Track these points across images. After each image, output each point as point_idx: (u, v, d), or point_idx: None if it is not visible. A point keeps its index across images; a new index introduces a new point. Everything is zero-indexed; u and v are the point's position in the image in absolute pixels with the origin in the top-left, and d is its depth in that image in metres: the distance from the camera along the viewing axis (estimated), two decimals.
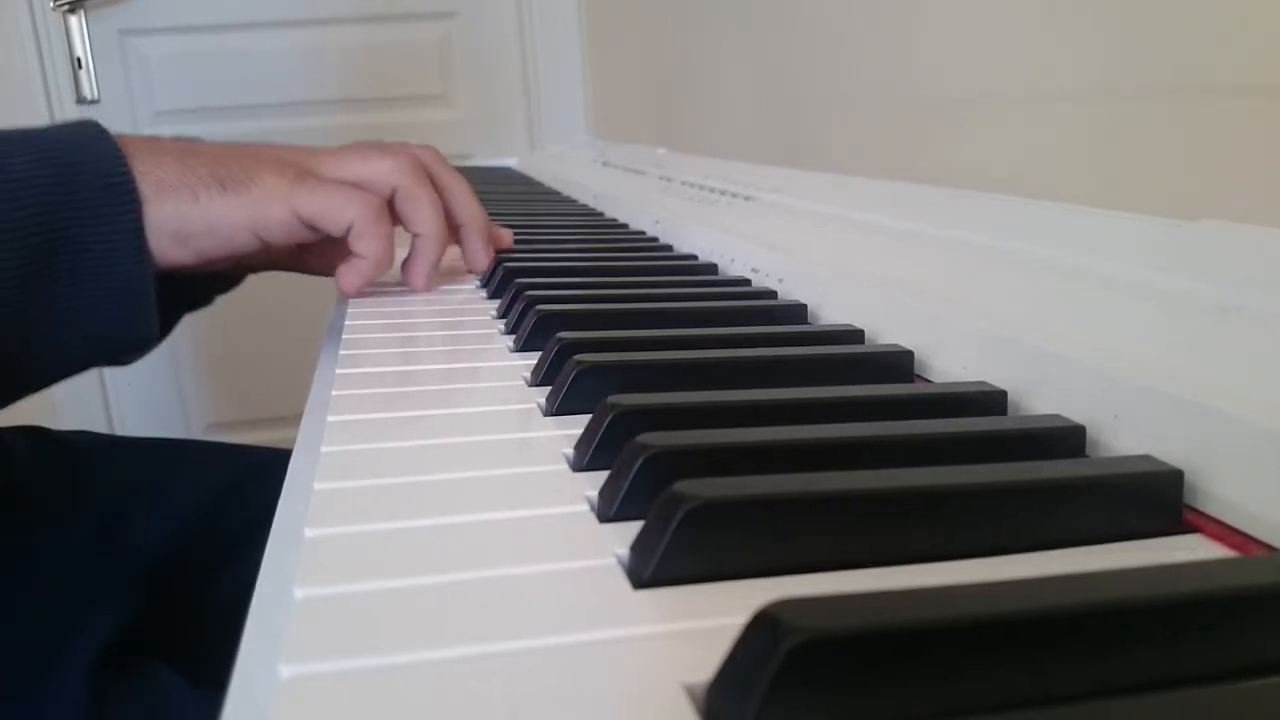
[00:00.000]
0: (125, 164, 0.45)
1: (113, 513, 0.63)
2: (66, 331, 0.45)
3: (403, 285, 0.58)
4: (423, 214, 0.54)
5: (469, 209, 0.59)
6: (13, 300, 0.43)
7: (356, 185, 0.51)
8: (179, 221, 0.46)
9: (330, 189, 0.49)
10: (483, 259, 0.60)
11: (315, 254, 0.59)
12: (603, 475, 0.28)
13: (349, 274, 0.52)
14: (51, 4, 1.62)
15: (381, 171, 0.53)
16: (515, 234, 0.73)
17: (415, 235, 0.56)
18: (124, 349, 0.48)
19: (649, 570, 0.22)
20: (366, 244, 0.51)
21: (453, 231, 0.59)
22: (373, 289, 0.59)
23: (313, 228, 0.50)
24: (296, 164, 0.50)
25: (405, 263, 0.57)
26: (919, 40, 0.60)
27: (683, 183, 0.84)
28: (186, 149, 0.49)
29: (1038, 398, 0.32)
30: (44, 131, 0.46)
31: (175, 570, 0.63)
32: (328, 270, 0.58)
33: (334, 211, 0.49)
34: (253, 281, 0.65)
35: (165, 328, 0.69)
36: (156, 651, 0.58)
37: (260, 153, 0.51)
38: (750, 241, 0.59)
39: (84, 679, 0.52)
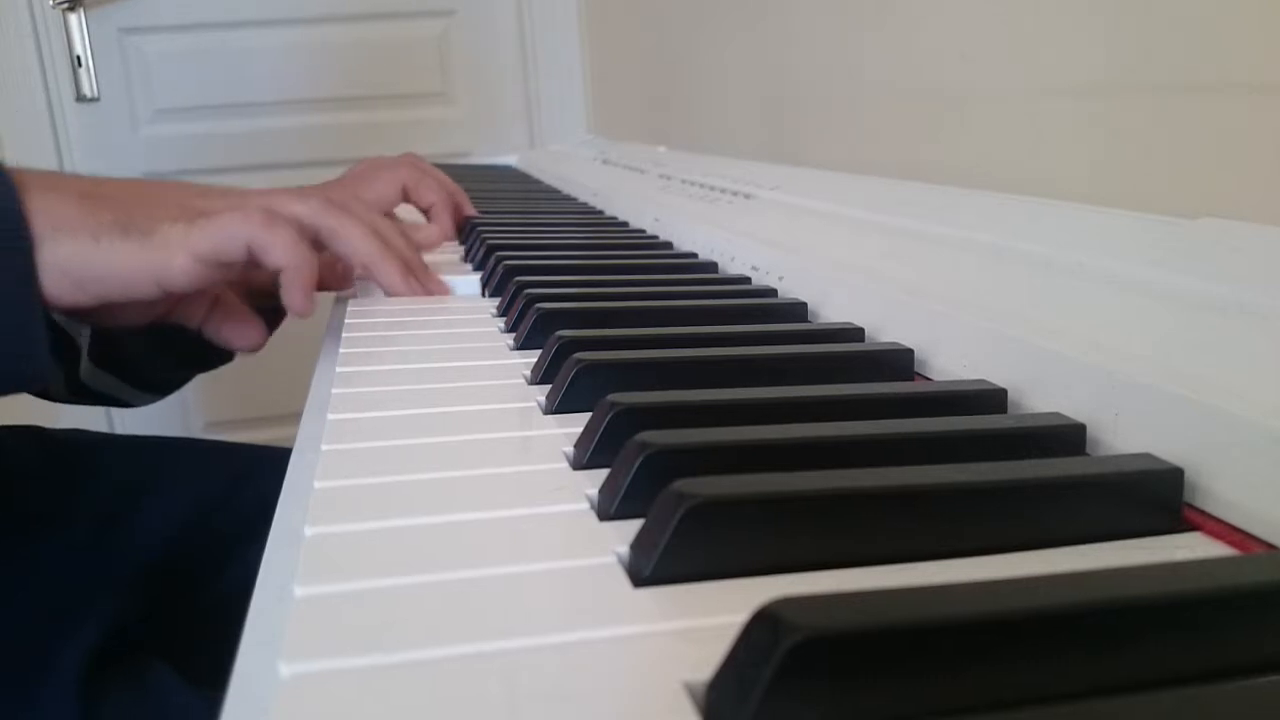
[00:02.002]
0: (16, 199, 0.43)
1: (111, 511, 0.63)
2: None
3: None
4: (353, 244, 0.53)
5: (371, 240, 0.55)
6: None
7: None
8: (77, 264, 0.44)
9: (218, 218, 0.47)
10: (395, 288, 0.56)
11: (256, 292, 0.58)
12: (603, 473, 0.28)
13: (285, 293, 0.50)
14: (51, 2, 1.62)
15: (296, 212, 0.51)
16: (515, 232, 0.73)
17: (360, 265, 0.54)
18: (7, 379, 0.45)
19: (649, 568, 0.22)
20: (273, 255, 0.48)
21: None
22: (374, 289, 0.59)
23: (216, 264, 0.47)
24: (193, 207, 0.48)
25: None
26: (919, 38, 0.60)
27: (683, 181, 0.84)
28: (89, 190, 0.47)
29: (1038, 396, 0.32)
30: None
31: (174, 569, 0.63)
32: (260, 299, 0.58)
33: (227, 239, 0.47)
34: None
35: (177, 384, 0.70)
36: (155, 650, 0.58)
37: (164, 196, 0.49)
38: (750, 239, 0.59)
39: (81, 677, 0.52)
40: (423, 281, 0.58)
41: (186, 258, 0.46)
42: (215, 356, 0.67)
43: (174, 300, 0.53)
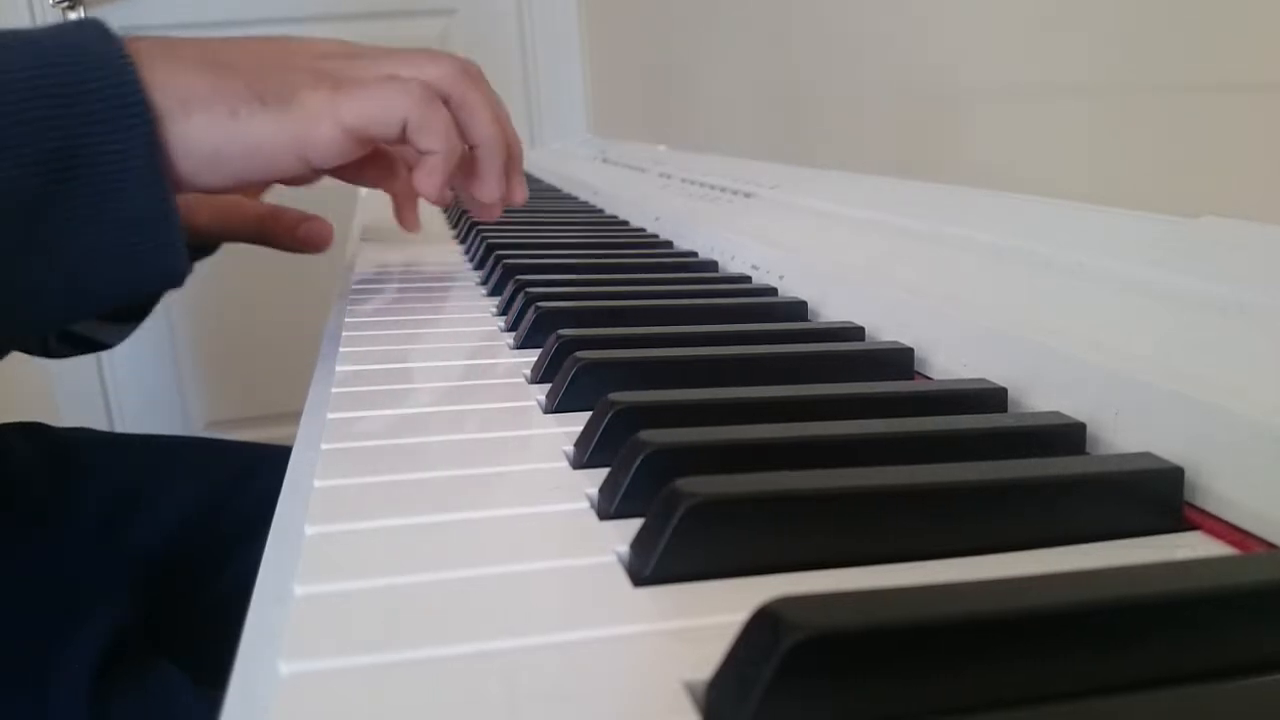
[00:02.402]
0: (134, 74, 0.38)
1: (113, 510, 0.63)
2: (84, 263, 0.39)
3: (407, 269, 0.57)
4: (479, 119, 0.49)
5: (497, 132, 0.51)
6: (20, 227, 0.37)
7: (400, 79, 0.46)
8: (214, 141, 0.40)
9: (373, 89, 0.44)
10: (492, 188, 0.52)
11: (369, 167, 0.54)
12: (603, 472, 0.28)
13: (424, 176, 0.47)
14: (51, 1, 1.61)
15: (430, 76, 0.47)
16: (515, 231, 0.73)
17: (473, 147, 0.51)
18: (149, 283, 0.41)
19: (649, 568, 0.22)
20: (429, 138, 0.45)
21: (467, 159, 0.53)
22: (373, 287, 0.59)
23: (365, 138, 0.44)
24: (334, 72, 0.45)
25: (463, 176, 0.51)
26: (919, 38, 0.60)
27: (683, 180, 0.84)
28: (213, 57, 0.42)
29: (1038, 395, 0.32)
30: (44, 35, 0.39)
31: (176, 567, 0.63)
32: (379, 183, 0.55)
33: (383, 113, 0.43)
34: (252, 278, 0.65)
35: (146, 306, 0.68)
36: (158, 649, 0.58)
37: (293, 59, 0.45)
38: (750, 238, 0.59)
39: (86, 676, 0.52)
40: (513, 186, 0.54)
41: (333, 127, 0.42)
42: (206, 248, 0.66)
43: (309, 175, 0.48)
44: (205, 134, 0.40)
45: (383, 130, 0.44)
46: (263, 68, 0.43)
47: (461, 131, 0.49)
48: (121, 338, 0.67)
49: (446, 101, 0.47)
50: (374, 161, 0.53)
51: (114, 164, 0.38)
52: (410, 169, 0.49)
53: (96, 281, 0.39)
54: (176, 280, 0.41)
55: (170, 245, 0.40)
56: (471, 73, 0.49)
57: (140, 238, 0.39)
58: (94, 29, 0.40)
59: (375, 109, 0.43)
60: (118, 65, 0.38)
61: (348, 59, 0.46)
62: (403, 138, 0.45)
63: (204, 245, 0.64)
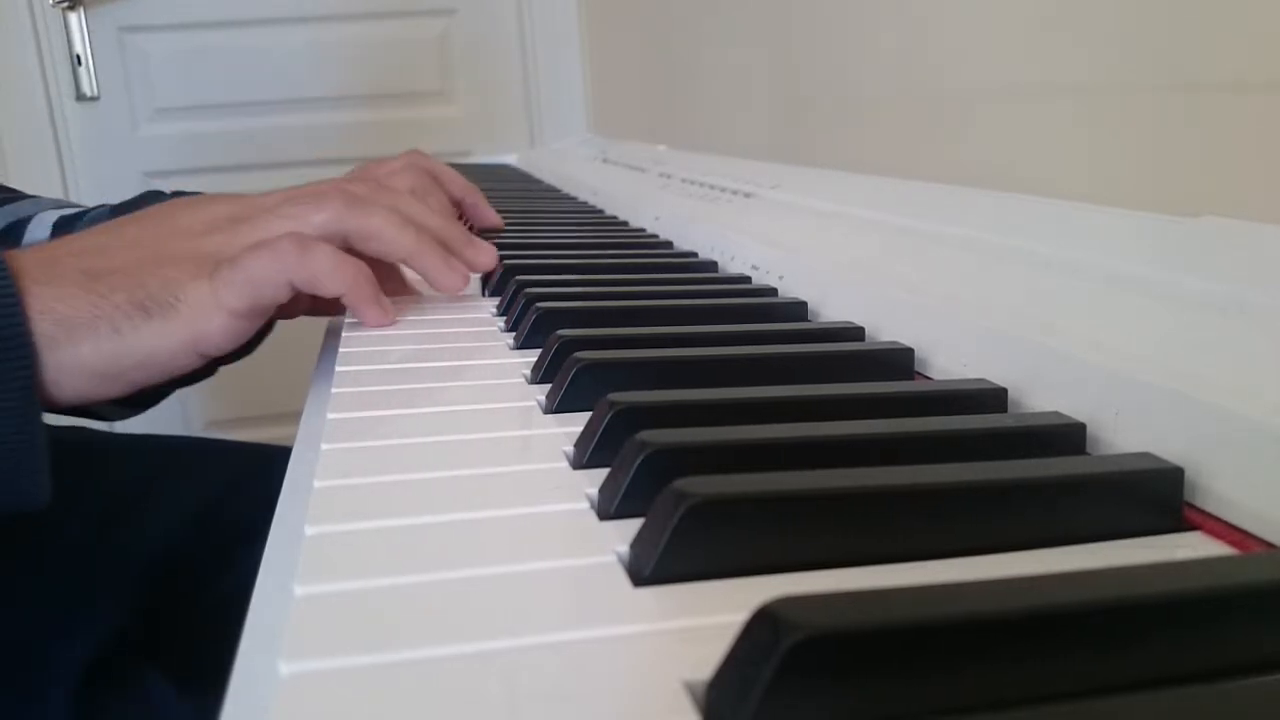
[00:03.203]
0: (16, 307, 0.38)
1: (110, 511, 0.63)
2: None
3: (407, 270, 0.55)
4: (388, 238, 0.48)
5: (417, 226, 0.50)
6: None
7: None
8: (103, 361, 0.40)
9: (245, 264, 0.42)
10: (446, 282, 0.51)
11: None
12: (603, 473, 0.28)
13: (360, 317, 0.47)
14: (50, 1, 1.62)
15: (316, 224, 0.46)
16: (515, 231, 0.73)
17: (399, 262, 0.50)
18: (4, 508, 0.40)
19: (649, 568, 0.22)
20: (325, 285, 0.44)
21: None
22: None
23: (258, 312, 0.43)
24: (215, 252, 0.43)
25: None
26: (922, 37, 0.60)
27: (683, 180, 0.84)
28: (91, 266, 0.41)
29: (1038, 395, 0.32)
30: None
31: (176, 568, 0.63)
32: (320, 310, 0.55)
33: (264, 284, 0.42)
34: None
35: (154, 399, 0.68)
36: (155, 653, 0.58)
37: (171, 246, 0.43)
38: (750, 238, 0.59)
39: (76, 682, 0.52)
40: (468, 259, 0.53)
41: (223, 317, 0.41)
42: (193, 373, 0.66)
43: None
44: (94, 355, 0.39)
45: (270, 298, 0.43)
46: (142, 268, 0.41)
47: (380, 256, 0.49)
48: (122, 418, 0.67)
49: (347, 240, 0.47)
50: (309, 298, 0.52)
51: None
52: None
53: None
54: (33, 506, 0.40)
55: (29, 473, 0.39)
56: (359, 198, 0.48)
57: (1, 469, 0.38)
58: None
59: (253, 283, 0.42)
60: (3, 300, 0.38)
61: (230, 228, 0.45)
62: (303, 292, 0.44)
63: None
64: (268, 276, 0.42)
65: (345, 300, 0.46)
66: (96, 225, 0.45)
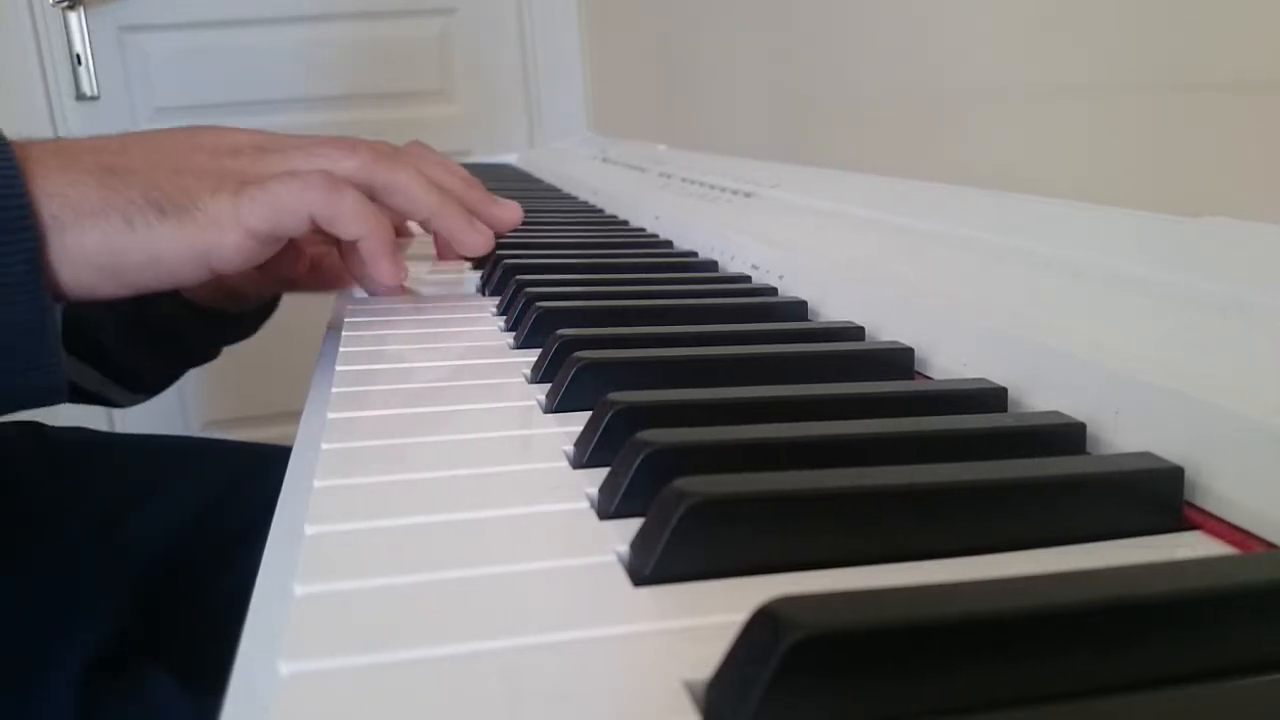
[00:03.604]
0: (22, 185, 0.37)
1: (110, 512, 0.63)
2: None
3: (407, 269, 0.55)
4: (413, 195, 0.47)
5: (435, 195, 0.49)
6: None
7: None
8: (109, 253, 0.39)
9: (272, 187, 0.42)
10: (467, 244, 0.51)
11: (289, 266, 0.53)
12: (603, 472, 0.28)
13: (373, 268, 0.46)
14: (50, 0, 1.61)
15: (344, 169, 0.45)
16: (515, 231, 0.72)
17: (423, 222, 0.50)
18: (18, 402, 0.40)
19: (649, 567, 0.22)
20: (344, 226, 0.43)
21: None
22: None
23: (272, 238, 0.42)
24: (237, 173, 0.43)
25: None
26: (922, 37, 0.60)
27: (683, 179, 0.84)
28: (109, 162, 0.40)
29: (1038, 394, 0.32)
30: None
31: (176, 568, 0.63)
32: (316, 284, 0.55)
33: (286, 210, 0.41)
34: None
35: (164, 382, 0.68)
36: (155, 653, 0.58)
37: (194, 160, 0.43)
38: (750, 238, 0.59)
39: (76, 682, 0.52)
40: (493, 217, 0.52)
41: (239, 234, 0.41)
42: (199, 352, 0.66)
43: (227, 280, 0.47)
44: (100, 245, 0.39)
45: (290, 227, 0.42)
46: (161, 172, 0.41)
47: (403, 213, 0.48)
48: (132, 403, 0.67)
49: (372, 191, 0.46)
50: (317, 269, 0.52)
51: None
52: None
53: None
54: (52, 399, 0.40)
55: (42, 365, 0.38)
56: (386, 153, 0.47)
57: (10, 358, 0.38)
58: None
59: (277, 207, 0.41)
60: (4, 176, 0.37)
61: (255, 155, 0.44)
62: (319, 231, 0.44)
63: (195, 349, 0.64)
64: (293, 205, 0.42)
65: (361, 248, 0.45)
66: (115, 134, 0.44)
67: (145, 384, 0.66)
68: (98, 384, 0.63)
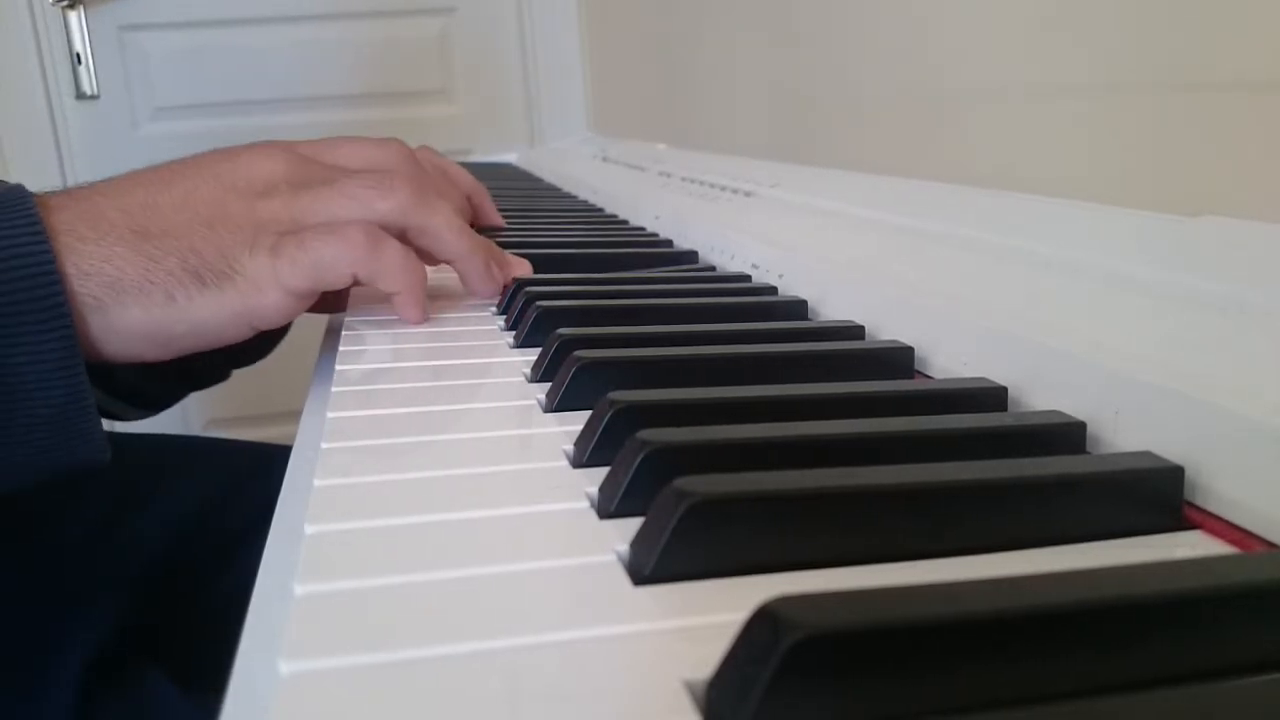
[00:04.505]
0: (52, 267, 0.36)
1: (110, 511, 0.63)
2: None
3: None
4: (444, 241, 0.48)
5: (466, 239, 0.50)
6: None
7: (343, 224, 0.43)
8: (153, 326, 0.39)
9: (312, 246, 0.41)
10: (483, 290, 0.52)
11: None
12: (603, 471, 0.28)
13: (402, 313, 0.47)
14: (50, 1, 1.61)
15: (381, 211, 0.45)
16: (514, 230, 0.73)
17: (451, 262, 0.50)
18: (62, 471, 0.40)
19: (649, 566, 0.22)
20: (383, 282, 0.44)
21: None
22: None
23: (313, 295, 0.43)
24: (273, 222, 0.42)
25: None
26: (922, 36, 0.60)
27: (683, 178, 0.84)
28: (140, 226, 0.39)
29: (1038, 394, 0.32)
30: None
31: (176, 568, 0.63)
32: (324, 308, 0.54)
33: (329, 270, 0.42)
34: None
35: (167, 402, 0.68)
36: (155, 653, 0.58)
37: (229, 211, 0.42)
38: (750, 237, 0.59)
39: (76, 681, 0.52)
40: (504, 270, 0.53)
41: (279, 294, 0.41)
42: (207, 376, 0.66)
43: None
44: (144, 320, 0.39)
45: (332, 284, 0.42)
46: (195, 230, 0.40)
47: (430, 253, 0.48)
48: (137, 418, 0.67)
49: (404, 232, 0.46)
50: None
51: (31, 367, 0.36)
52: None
53: (8, 465, 0.38)
54: (95, 465, 0.40)
55: (83, 435, 0.38)
56: (420, 194, 0.46)
57: (53, 433, 0.38)
58: (15, 205, 0.37)
59: (319, 266, 0.41)
60: (38, 261, 0.36)
61: (289, 195, 0.43)
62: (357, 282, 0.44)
63: (204, 374, 0.64)
64: (335, 264, 0.42)
65: (396, 299, 0.46)
66: (138, 173, 0.43)
67: (152, 402, 0.66)
68: (105, 401, 0.63)
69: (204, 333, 0.40)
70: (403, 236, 0.46)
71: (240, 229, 0.41)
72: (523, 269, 0.55)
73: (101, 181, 0.42)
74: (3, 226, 0.37)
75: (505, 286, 0.54)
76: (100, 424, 0.39)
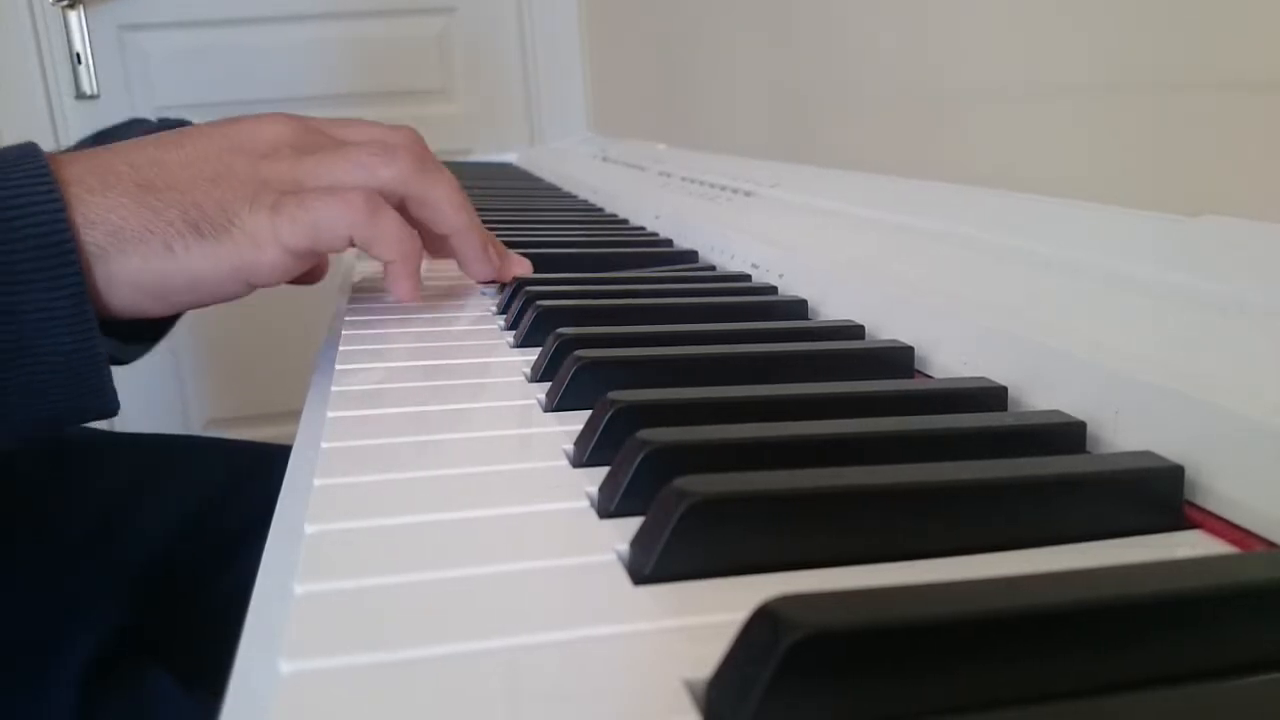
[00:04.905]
0: (63, 219, 0.37)
1: (111, 511, 0.63)
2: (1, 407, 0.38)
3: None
4: (444, 213, 0.48)
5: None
6: None
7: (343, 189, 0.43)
8: (151, 276, 0.39)
9: (313, 206, 0.42)
10: (478, 270, 0.52)
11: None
12: (603, 471, 0.28)
13: (394, 286, 0.46)
14: (50, 1, 1.61)
15: (383, 178, 0.45)
16: (515, 229, 0.73)
17: (446, 236, 0.50)
18: (72, 420, 0.40)
19: (649, 566, 0.22)
20: (379, 249, 0.44)
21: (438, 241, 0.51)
22: (373, 286, 0.59)
23: (310, 255, 0.43)
24: (276, 181, 0.43)
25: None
26: (922, 36, 0.60)
27: (683, 178, 0.84)
28: (146, 179, 0.40)
29: (1038, 393, 0.32)
30: None
31: (176, 568, 0.63)
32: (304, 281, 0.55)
33: (326, 231, 0.42)
34: None
35: (164, 328, 0.67)
36: (155, 653, 0.58)
37: (233, 168, 0.42)
38: (750, 237, 0.59)
39: (76, 680, 0.52)
40: (501, 259, 0.53)
41: (276, 251, 0.41)
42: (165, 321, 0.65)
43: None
44: (142, 269, 0.39)
45: (327, 245, 0.43)
46: (199, 185, 0.41)
47: (428, 224, 0.48)
48: (135, 356, 0.66)
49: (404, 201, 0.46)
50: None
51: (40, 315, 0.37)
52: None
53: (13, 416, 0.38)
54: (104, 415, 0.40)
55: (92, 388, 0.39)
56: (422, 163, 0.47)
57: (62, 383, 0.38)
58: (27, 160, 0.38)
59: (318, 226, 0.42)
60: (48, 210, 0.37)
61: (293, 158, 0.44)
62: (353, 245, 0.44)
63: None
64: (333, 226, 0.42)
65: (390, 268, 0.46)
66: (149, 136, 0.44)
67: (145, 333, 0.65)
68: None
69: (200, 286, 0.41)
70: (402, 207, 0.46)
71: (243, 185, 0.42)
72: (522, 266, 0.55)
73: (113, 144, 0.43)
74: (16, 179, 0.37)
75: (504, 284, 0.54)
76: (110, 376, 0.39)
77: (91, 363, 0.38)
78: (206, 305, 0.42)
